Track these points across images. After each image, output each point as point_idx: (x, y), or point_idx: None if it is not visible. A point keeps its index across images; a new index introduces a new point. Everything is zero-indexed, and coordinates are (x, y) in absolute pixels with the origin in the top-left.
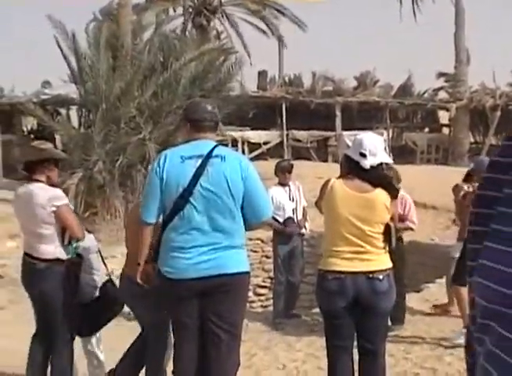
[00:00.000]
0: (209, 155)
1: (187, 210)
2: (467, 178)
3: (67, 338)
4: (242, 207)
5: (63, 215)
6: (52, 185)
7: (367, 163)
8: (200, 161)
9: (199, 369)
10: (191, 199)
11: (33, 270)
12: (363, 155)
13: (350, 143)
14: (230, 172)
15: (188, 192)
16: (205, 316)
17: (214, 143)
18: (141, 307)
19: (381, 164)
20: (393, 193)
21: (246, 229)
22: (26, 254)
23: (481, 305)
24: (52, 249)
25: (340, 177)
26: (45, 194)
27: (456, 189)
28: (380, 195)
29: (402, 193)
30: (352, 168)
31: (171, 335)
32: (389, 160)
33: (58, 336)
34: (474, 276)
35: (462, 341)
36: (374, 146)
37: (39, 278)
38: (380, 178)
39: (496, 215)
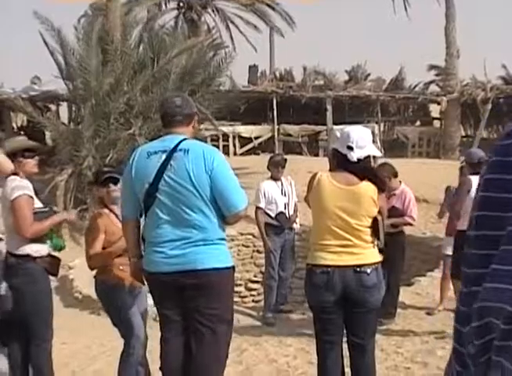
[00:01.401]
0: (174, 149)
1: (156, 205)
2: (461, 172)
3: (45, 338)
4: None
5: (15, 205)
6: (29, 177)
7: (354, 156)
8: (164, 156)
9: (185, 365)
10: (157, 194)
11: (6, 265)
12: (350, 148)
13: None
14: (193, 165)
15: (153, 187)
16: (187, 311)
17: (183, 137)
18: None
19: (369, 156)
20: (380, 186)
21: (226, 224)
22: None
23: (507, 311)
24: (21, 244)
25: (329, 171)
26: (10, 185)
27: (448, 191)
28: (367, 188)
29: (402, 186)
30: (340, 161)
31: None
32: (377, 153)
33: (35, 335)
34: (486, 283)
35: None
36: (361, 139)
37: (9, 273)
38: (367, 170)
39: None
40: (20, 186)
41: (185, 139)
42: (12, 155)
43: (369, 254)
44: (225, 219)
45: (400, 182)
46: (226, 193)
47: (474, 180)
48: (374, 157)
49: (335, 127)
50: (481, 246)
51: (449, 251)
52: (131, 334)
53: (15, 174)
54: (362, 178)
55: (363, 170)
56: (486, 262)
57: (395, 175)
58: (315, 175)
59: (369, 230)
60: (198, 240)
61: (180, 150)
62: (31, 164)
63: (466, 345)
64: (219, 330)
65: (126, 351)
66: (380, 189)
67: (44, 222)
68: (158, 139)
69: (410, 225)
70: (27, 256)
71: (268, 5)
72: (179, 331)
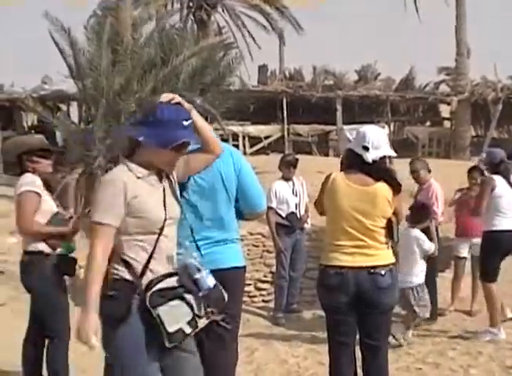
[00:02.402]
0: None
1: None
2: (471, 171)
3: (61, 336)
4: (236, 200)
5: (18, 201)
6: (43, 178)
7: (369, 156)
8: None
9: None
10: (184, 194)
11: (20, 263)
12: (366, 148)
13: (351, 137)
14: (223, 165)
15: (181, 187)
16: None
17: None
18: None
19: (384, 157)
20: (395, 187)
21: (240, 219)
22: None
23: None
24: (32, 241)
25: (341, 171)
26: (21, 181)
27: (459, 191)
28: (382, 188)
29: (431, 181)
30: (354, 162)
31: None
32: (392, 153)
33: (50, 332)
34: None
35: (492, 338)
36: (377, 140)
37: (23, 271)
38: (382, 171)
39: None
40: (29, 182)
41: None
42: (28, 153)
43: (384, 256)
44: (243, 217)
45: (431, 177)
46: (251, 193)
47: (497, 179)
48: (390, 157)
49: (345, 127)
50: None
51: (461, 253)
52: None
53: (27, 171)
54: (377, 179)
55: (378, 171)
56: None
57: (429, 170)
58: (330, 175)
59: (383, 231)
60: (219, 240)
61: None
62: (46, 163)
63: None
64: (232, 329)
65: None
66: (396, 191)
67: (48, 228)
68: None
69: (434, 219)
70: (40, 253)
71: (277, 9)
72: None
